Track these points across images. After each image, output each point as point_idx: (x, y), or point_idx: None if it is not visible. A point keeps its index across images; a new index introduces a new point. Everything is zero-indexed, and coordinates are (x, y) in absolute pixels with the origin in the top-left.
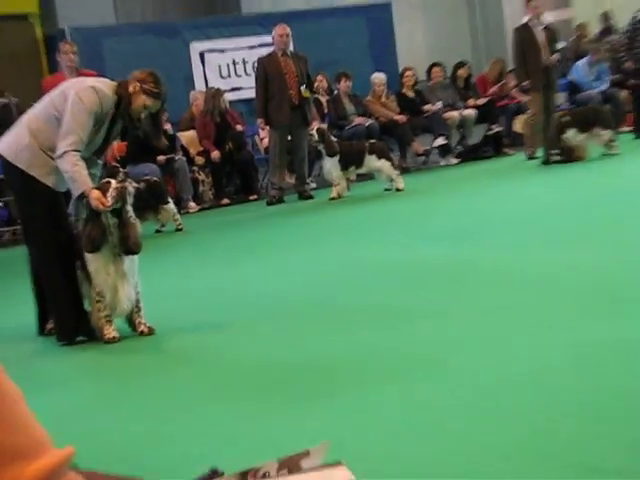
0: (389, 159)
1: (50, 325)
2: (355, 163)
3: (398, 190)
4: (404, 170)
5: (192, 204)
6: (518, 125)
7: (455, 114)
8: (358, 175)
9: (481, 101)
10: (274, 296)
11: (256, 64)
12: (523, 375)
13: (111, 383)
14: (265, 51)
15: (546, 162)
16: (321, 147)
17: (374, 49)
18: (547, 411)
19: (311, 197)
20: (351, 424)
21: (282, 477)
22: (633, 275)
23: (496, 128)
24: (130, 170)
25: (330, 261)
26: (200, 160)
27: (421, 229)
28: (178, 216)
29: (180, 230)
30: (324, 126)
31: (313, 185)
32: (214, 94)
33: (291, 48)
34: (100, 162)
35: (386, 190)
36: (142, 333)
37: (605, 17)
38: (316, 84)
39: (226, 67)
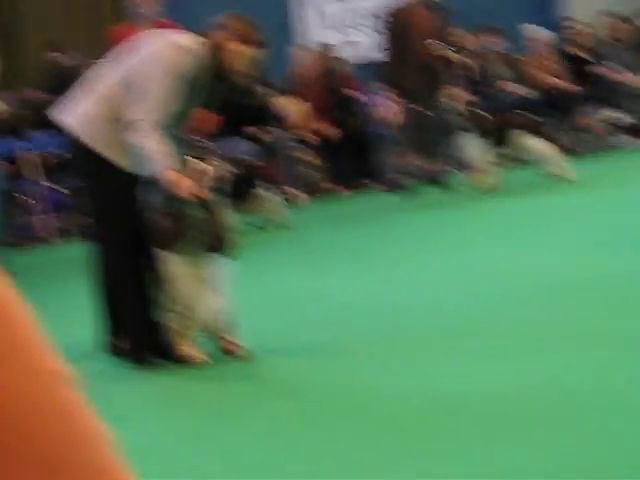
0: (552, 139)
1: (119, 341)
2: (506, 142)
3: (564, 179)
4: (571, 153)
5: (299, 193)
6: None
7: None
8: (510, 158)
9: None
10: (400, 312)
11: (384, 17)
12: None
13: (191, 415)
14: (395, 1)
15: None
16: (463, 121)
17: None
18: None
19: (447, 185)
20: None
21: None
22: None
23: None
24: (218, 146)
25: (472, 269)
26: (313, 139)
27: (594, 231)
28: (282, 208)
29: (283, 226)
30: (465, 95)
31: (450, 169)
32: (325, 51)
33: None
34: (184, 136)
35: (547, 178)
36: (232, 354)
37: None
38: (458, 42)
39: (343, 19)
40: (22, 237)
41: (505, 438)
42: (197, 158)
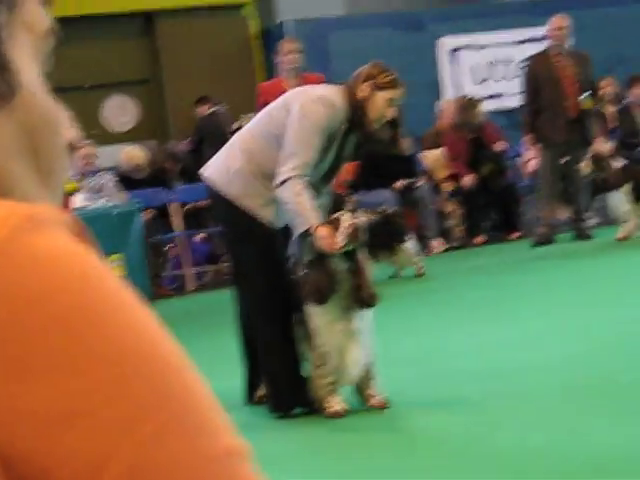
0: None
1: (261, 392)
2: None
3: None
4: None
5: (437, 242)
6: None
7: None
8: None
9: None
10: (539, 369)
11: (524, 65)
12: None
13: (335, 466)
14: (536, 48)
15: None
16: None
17: None
18: None
19: (590, 237)
20: None
21: None
22: None
23: None
24: (360, 198)
25: (618, 324)
26: (449, 186)
27: None
28: (419, 258)
29: (421, 275)
30: (605, 147)
31: (594, 221)
32: (468, 104)
33: (570, 44)
34: (329, 190)
35: None
36: (373, 407)
37: None
38: (601, 91)
39: (484, 68)
40: (170, 288)
41: None
42: (343, 211)
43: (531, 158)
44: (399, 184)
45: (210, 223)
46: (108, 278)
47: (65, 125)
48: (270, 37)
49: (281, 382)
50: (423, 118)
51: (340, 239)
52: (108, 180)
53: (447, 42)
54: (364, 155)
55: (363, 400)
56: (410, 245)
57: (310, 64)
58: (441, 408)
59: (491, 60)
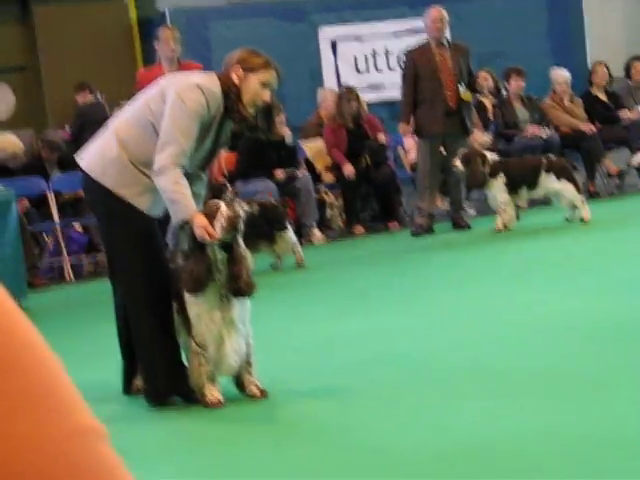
0: (572, 180)
1: (138, 382)
2: (527, 185)
3: (583, 221)
4: (592, 195)
5: (317, 233)
6: None
7: None
8: (531, 200)
9: None
10: (417, 357)
11: (403, 56)
12: None
13: (212, 458)
14: (415, 40)
15: None
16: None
17: (555, 38)
18: None
19: (468, 227)
20: None
21: None
22: None
23: None
24: (240, 188)
25: (489, 312)
26: (329, 177)
27: (612, 274)
28: (299, 248)
29: (301, 266)
30: (484, 138)
31: (472, 212)
32: (347, 94)
33: (448, 36)
34: (205, 178)
35: (567, 220)
36: (253, 396)
37: None
38: (479, 83)
39: (364, 59)
40: (45, 278)
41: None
42: (221, 200)
43: (410, 149)
44: (279, 173)
45: (88, 213)
46: None
47: None
48: (151, 25)
49: (158, 372)
50: (304, 108)
51: (218, 228)
52: None
53: (328, 32)
54: (244, 144)
55: (242, 390)
56: (290, 234)
57: (191, 53)
58: (323, 397)
59: (371, 51)
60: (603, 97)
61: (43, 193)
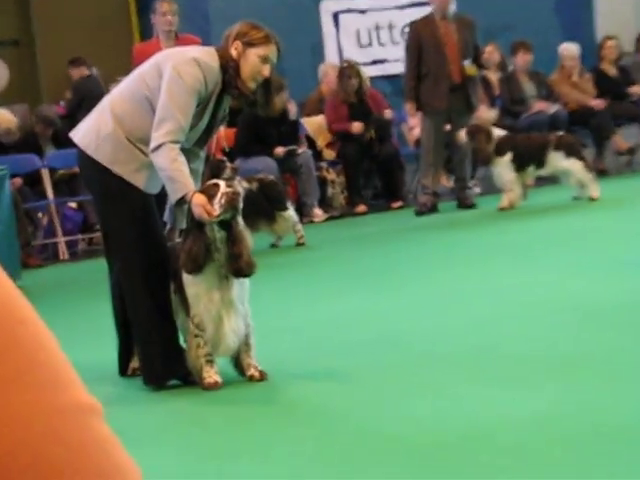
0: (581, 158)
1: (135, 364)
2: (534, 162)
3: (591, 199)
4: (601, 173)
5: (318, 211)
6: None
7: None
8: (538, 178)
9: None
10: (419, 339)
11: (407, 30)
12: None
13: (211, 441)
14: (418, 13)
15: None
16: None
17: (563, 12)
18: None
19: (474, 206)
20: None
21: None
22: None
23: None
24: (240, 165)
25: (493, 293)
26: (330, 154)
27: (621, 254)
28: (300, 227)
29: (301, 245)
30: (489, 114)
31: (477, 190)
32: (349, 68)
33: (453, 9)
34: (203, 155)
35: (575, 199)
36: (252, 378)
37: None
38: (485, 58)
39: (367, 33)
40: (39, 257)
41: (521, 468)
42: (221, 178)
43: (414, 126)
44: (280, 150)
45: (83, 190)
46: None
47: None
48: None
49: (155, 353)
50: (306, 83)
51: (217, 207)
52: None
53: (329, 5)
54: (243, 120)
55: (241, 371)
56: (291, 213)
57: (189, 27)
58: (322, 379)
59: (374, 24)
60: (613, 72)
61: (37, 170)
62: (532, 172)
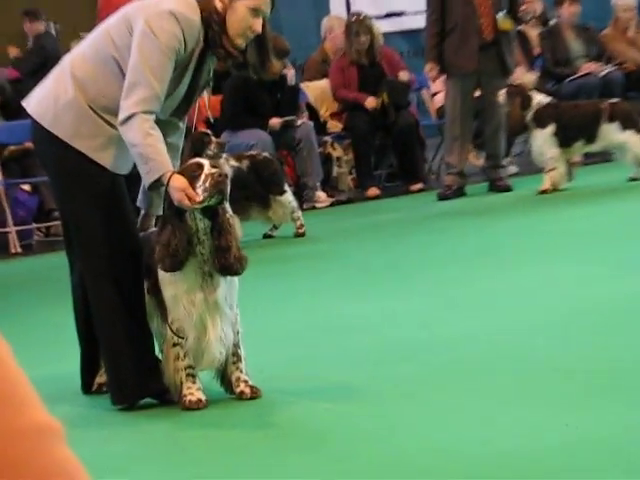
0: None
1: (102, 379)
2: (583, 136)
3: None
4: None
5: (321, 195)
6: None
7: None
8: (587, 155)
9: None
10: (439, 348)
11: None
12: None
13: (192, 472)
14: None
15: None
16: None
17: None
18: None
19: (508, 188)
20: None
21: None
22: None
23: None
24: (228, 139)
25: (530, 293)
26: (335, 126)
27: None
28: (299, 214)
29: (301, 235)
30: (528, 78)
31: (513, 170)
32: (359, 23)
33: None
34: (183, 127)
35: (632, 180)
36: (241, 395)
37: None
38: (522, 9)
39: None
40: None
41: None
42: (205, 156)
43: (437, 91)
44: (275, 122)
45: (38, 170)
46: None
47: None
48: None
49: (126, 366)
50: (306, 42)
51: (200, 191)
52: None
53: None
54: (231, 85)
55: (228, 388)
56: (288, 198)
57: None
58: (326, 396)
59: None
60: None
61: None
62: (580, 148)
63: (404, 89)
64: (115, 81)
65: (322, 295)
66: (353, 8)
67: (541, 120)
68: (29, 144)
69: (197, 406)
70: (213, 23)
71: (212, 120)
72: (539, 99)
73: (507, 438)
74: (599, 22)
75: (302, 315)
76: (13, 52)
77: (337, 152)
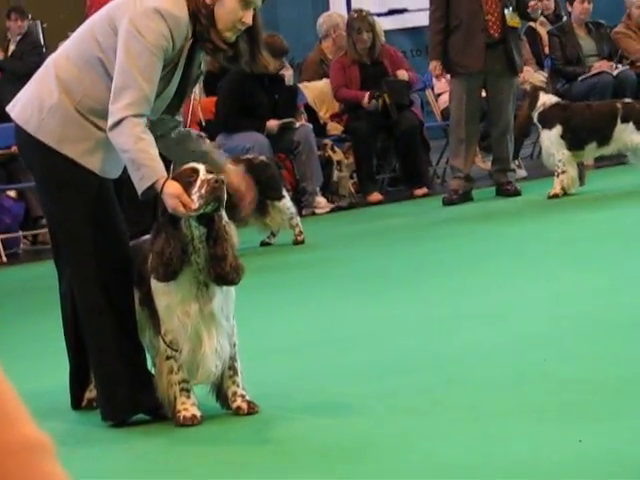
0: None
1: (92, 394)
2: (595, 138)
3: None
4: None
5: (321, 200)
6: None
7: None
8: (600, 158)
9: None
10: (446, 360)
11: None
12: None
13: None
14: None
15: None
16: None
17: None
18: None
19: (518, 193)
20: None
21: None
22: None
23: None
24: (223, 142)
25: (541, 303)
26: (335, 128)
27: None
28: (298, 220)
29: (300, 243)
30: (537, 77)
31: (522, 174)
32: (359, 20)
33: None
34: (180, 119)
35: None
36: (238, 411)
37: None
38: (532, 5)
39: None
40: None
41: None
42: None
43: (441, 92)
44: (273, 124)
45: (25, 176)
46: None
47: None
48: None
49: (116, 380)
50: (304, 40)
51: (196, 198)
52: None
53: None
54: (226, 86)
55: (224, 403)
56: (286, 203)
57: None
58: (327, 412)
59: None
60: None
61: None
62: (592, 150)
63: (404, 87)
64: (101, 82)
65: (322, 305)
66: (354, 5)
67: (547, 121)
68: (14, 149)
69: (192, 422)
70: (201, 17)
71: (204, 123)
72: (545, 99)
73: (512, 453)
74: (611, 19)
75: (301, 326)
76: None
77: (337, 155)
